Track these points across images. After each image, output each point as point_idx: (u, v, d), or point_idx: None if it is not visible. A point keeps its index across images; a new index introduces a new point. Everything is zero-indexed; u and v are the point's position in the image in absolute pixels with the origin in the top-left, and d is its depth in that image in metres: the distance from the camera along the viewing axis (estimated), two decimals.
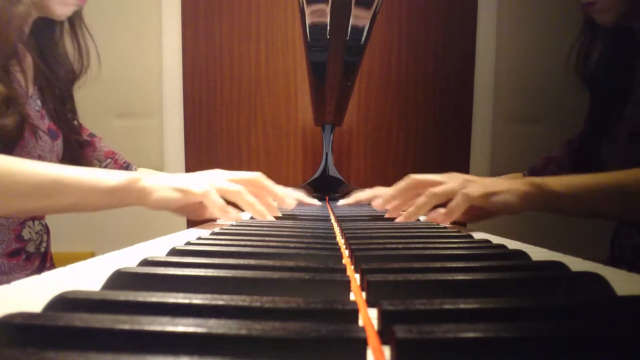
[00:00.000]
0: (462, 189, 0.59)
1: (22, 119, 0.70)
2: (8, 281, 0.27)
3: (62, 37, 0.84)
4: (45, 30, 0.82)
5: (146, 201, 0.59)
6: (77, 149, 0.88)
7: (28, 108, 0.74)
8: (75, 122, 0.88)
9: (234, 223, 0.59)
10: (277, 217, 0.65)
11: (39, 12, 0.76)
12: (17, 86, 0.73)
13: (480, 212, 0.64)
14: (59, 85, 0.83)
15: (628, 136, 0.76)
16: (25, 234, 0.78)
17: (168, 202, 0.59)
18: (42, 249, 0.82)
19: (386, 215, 0.68)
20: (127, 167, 0.97)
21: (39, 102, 0.80)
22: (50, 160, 0.79)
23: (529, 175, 0.93)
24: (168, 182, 0.60)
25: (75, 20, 0.84)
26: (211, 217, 0.66)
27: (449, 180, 0.62)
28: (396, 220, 0.63)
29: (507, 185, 0.59)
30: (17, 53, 0.73)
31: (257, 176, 0.67)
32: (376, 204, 0.70)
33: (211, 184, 0.61)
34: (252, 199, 0.62)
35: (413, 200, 0.64)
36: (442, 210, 0.61)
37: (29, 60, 0.78)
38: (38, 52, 0.80)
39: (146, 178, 0.59)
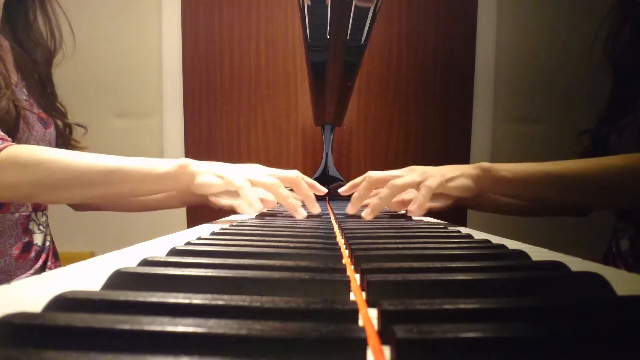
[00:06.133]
0: (423, 181, 0.64)
1: (14, 103, 0.69)
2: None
3: (35, 18, 0.81)
4: (17, 12, 0.79)
5: (192, 185, 0.63)
6: (68, 136, 0.87)
7: (16, 95, 0.73)
8: (59, 105, 0.87)
9: (234, 223, 0.59)
10: (278, 218, 0.65)
11: None
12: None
13: (442, 197, 0.68)
14: (37, 68, 0.81)
15: (637, 131, 0.75)
16: (32, 226, 0.78)
17: (209, 186, 0.63)
18: (47, 243, 0.82)
19: (350, 213, 0.70)
20: None
21: (25, 90, 0.78)
22: None
23: None
24: (212, 168, 0.64)
25: None
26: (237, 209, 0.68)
27: (408, 173, 0.66)
28: (362, 214, 0.65)
29: (461, 170, 0.64)
30: None
31: (295, 175, 0.69)
32: (348, 211, 0.71)
33: (248, 177, 0.64)
34: (286, 192, 0.65)
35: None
36: (411, 204, 0.65)
37: (5, 45, 0.76)
38: (12, 36, 0.78)
39: (194, 163, 0.64)
